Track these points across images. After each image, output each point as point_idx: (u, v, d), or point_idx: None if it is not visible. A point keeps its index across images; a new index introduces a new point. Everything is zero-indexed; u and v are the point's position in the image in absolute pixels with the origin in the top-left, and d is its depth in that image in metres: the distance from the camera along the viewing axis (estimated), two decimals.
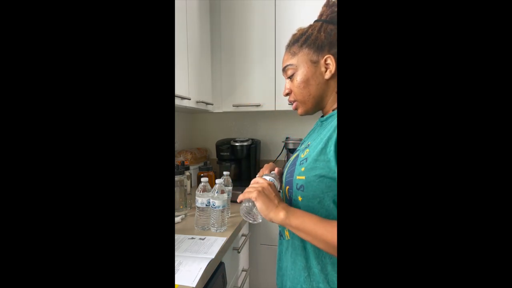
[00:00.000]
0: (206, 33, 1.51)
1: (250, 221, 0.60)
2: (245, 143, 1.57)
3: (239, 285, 1.10)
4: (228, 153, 1.59)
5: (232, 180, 1.21)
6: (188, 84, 1.26)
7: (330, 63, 0.59)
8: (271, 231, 1.29)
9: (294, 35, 0.65)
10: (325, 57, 0.59)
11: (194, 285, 0.64)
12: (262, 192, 0.56)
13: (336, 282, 0.56)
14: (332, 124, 0.56)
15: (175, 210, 1.09)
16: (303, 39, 0.61)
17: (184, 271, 0.70)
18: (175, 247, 0.83)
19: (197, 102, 1.36)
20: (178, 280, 0.66)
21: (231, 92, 1.59)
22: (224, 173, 1.17)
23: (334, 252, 0.50)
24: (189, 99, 1.24)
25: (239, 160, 1.60)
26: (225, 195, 0.96)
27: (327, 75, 0.59)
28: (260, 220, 0.59)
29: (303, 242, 0.60)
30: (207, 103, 1.46)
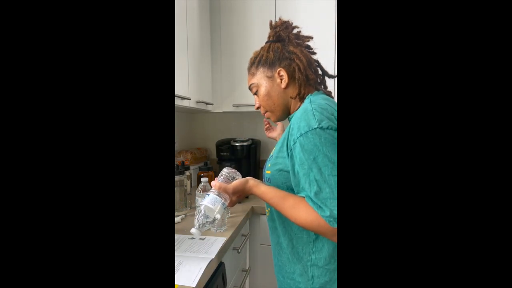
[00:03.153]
0: (206, 33, 1.51)
1: (209, 222, 0.67)
2: (245, 143, 1.57)
3: (239, 285, 1.10)
4: (228, 153, 1.59)
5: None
6: (188, 84, 1.26)
7: (283, 75, 0.70)
8: None
9: (251, 58, 0.76)
10: (278, 70, 0.70)
11: (194, 285, 0.64)
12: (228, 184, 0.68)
13: (301, 253, 0.66)
14: (288, 125, 0.67)
15: (175, 210, 1.08)
16: (257, 61, 0.73)
17: (184, 271, 0.70)
18: (175, 247, 0.82)
19: (197, 102, 1.36)
20: (178, 280, 0.66)
21: (231, 92, 1.59)
22: None
23: (287, 212, 0.61)
24: (189, 99, 1.24)
25: (239, 160, 1.59)
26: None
27: (283, 85, 0.71)
28: (218, 216, 0.66)
29: (273, 221, 0.73)
30: (207, 103, 1.46)
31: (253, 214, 1.30)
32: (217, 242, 0.86)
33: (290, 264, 0.69)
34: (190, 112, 1.77)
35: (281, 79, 0.71)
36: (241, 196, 0.69)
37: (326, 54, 1.42)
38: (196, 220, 0.66)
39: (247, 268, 1.24)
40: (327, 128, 0.57)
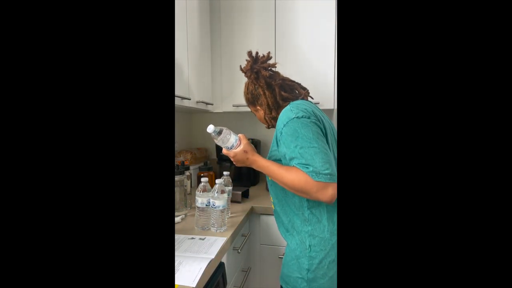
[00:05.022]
0: (206, 33, 1.51)
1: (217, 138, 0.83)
2: None
3: (239, 285, 1.10)
4: None
5: (232, 180, 1.21)
6: (188, 84, 1.26)
7: (259, 109, 0.96)
8: (271, 231, 1.29)
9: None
10: (256, 107, 0.98)
11: (194, 285, 0.64)
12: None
13: (299, 227, 0.80)
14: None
15: (175, 210, 1.08)
16: (246, 101, 1.02)
17: (184, 271, 0.70)
18: (175, 247, 0.82)
19: (197, 102, 1.36)
20: (178, 280, 0.66)
21: (231, 92, 1.59)
22: (224, 173, 1.17)
23: (288, 184, 0.75)
24: (189, 99, 1.24)
25: None
26: (225, 195, 0.96)
27: (267, 112, 0.94)
28: (233, 139, 0.85)
29: (276, 212, 0.88)
30: (207, 103, 1.46)
31: (253, 214, 1.30)
32: (217, 242, 0.86)
33: (291, 238, 0.83)
34: (190, 112, 1.77)
35: (263, 110, 0.95)
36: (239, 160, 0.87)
37: (326, 54, 1.42)
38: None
39: (247, 268, 1.24)
40: (302, 117, 0.75)
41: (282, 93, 0.89)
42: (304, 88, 0.95)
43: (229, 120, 1.85)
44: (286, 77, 0.95)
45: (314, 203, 0.78)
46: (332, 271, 0.77)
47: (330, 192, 0.68)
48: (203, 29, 1.46)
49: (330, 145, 0.78)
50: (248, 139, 1.68)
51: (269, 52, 0.94)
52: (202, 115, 1.89)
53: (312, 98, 0.99)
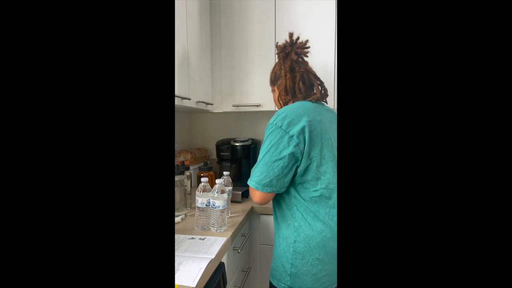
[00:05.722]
0: (206, 33, 1.51)
1: None
2: (245, 143, 1.57)
3: (239, 285, 1.10)
4: (228, 153, 1.59)
5: (232, 180, 1.21)
6: (188, 84, 1.26)
7: (279, 88, 0.97)
8: (271, 231, 1.29)
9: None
10: (274, 87, 1.01)
11: (194, 285, 0.64)
12: None
13: (289, 220, 0.84)
14: None
15: (175, 210, 1.08)
16: (269, 80, 1.03)
17: (184, 271, 0.70)
18: (175, 247, 0.82)
19: (197, 102, 1.36)
20: (178, 280, 0.66)
21: (231, 92, 1.59)
22: (224, 173, 1.17)
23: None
24: (189, 99, 1.24)
25: (239, 160, 1.59)
26: (225, 195, 0.96)
27: (282, 94, 0.95)
28: None
29: (273, 209, 0.92)
30: (207, 103, 1.46)
31: (253, 214, 1.30)
32: (217, 242, 0.86)
33: (280, 231, 0.88)
34: (190, 112, 1.77)
35: (279, 91, 0.97)
36: None
37: (326, 54, 1.42)
38: None
39: (247, 268, 1.24)
40: (275, 124, 0.80)
41: (301, 83, 0.91)
42: (324, 90, 0.93)
43: (229, 120, 1.85)
44: (312, 71, 0.95)
45: (300, 201, 0.82)
46: (316, 269, 0.79)
47: (256, 196, 0.82)
48: (203, 29, 1.46)
49: (313, 147, 0.79)
50: (248, 139, 1.68)
51: (307, 40, 0.94)
52: (202, 115, 1.89)
53: (326, 102, 0.97)
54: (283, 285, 0.83)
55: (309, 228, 0.80)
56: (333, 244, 0.80)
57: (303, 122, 0.79)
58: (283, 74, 0.94)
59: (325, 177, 0.80)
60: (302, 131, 0.78)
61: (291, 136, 0.78)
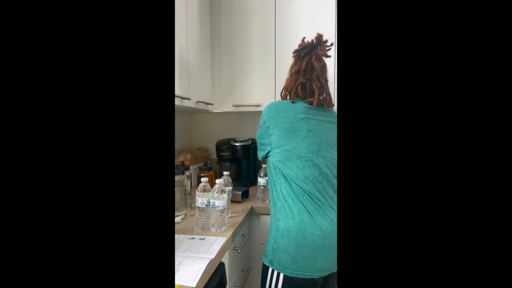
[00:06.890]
0: (206, 33, 1.51)
1: None
2: (245, 143, 1.57)
3: (239, 285, 1.10)
4: (228, 153, 1.59)
5: (232, 180, 1.21)
6: (188, 84, 1.26)
7: (285, 83, 1.02)
8: None
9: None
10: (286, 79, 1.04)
11: (194, 285, 0.64)
12: None
13: (277, 205, 0.90)
14: None
15: (175, 210, 1.08)
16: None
17: (184, 271, 0.70)
18: (175, 247, 0.83)
19: (197, 102, 1.36)
20: (178, 280, 0.66)
21: (231, 92, 1.59)
22: (224, 173, 1.17)
23: None
24: (189, 99, 1.24)
25: (239, 160, 1.59)
26: (225, 195, 0.96)
27: (285, 89, 1.01)
28: None
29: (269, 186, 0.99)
30: (207, 103, 1.46)
31: (253, 214, 1.30)
32: (217, 242, 0.86)
33: (271, 203, 0.94)
34: (190, 112, 1.77)
35: (283, 85, 1.03)
36: None
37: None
38: None
39: (247, 268, 1.24)
40: (263, 123, 0.93)
41: (299, 88, 0.94)
42: (323, 97, 0.94)
43: (229, 120, 1.85)
44: (321, 79, 0.95)
45: (283, 181, 0.88)
46: (293, 250, 0.82)
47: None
48: (203, 29, 1.46)
49: (281, 139, 0.89)
50: (248, 139, 1.69)
51: (332, 43, 0.92)
52: (202, 115, 1.89)
53: (326, 107, 0.96)
54: (266, 259, 0.89)
55: (289, 209, 0.86)
56: (310, 230, 0.82)
57: (268, 120, 0.94)
58: (291, 72, 1.00)
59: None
60: (274, 125, 0.91)
61: (267, 127, 0.92)
